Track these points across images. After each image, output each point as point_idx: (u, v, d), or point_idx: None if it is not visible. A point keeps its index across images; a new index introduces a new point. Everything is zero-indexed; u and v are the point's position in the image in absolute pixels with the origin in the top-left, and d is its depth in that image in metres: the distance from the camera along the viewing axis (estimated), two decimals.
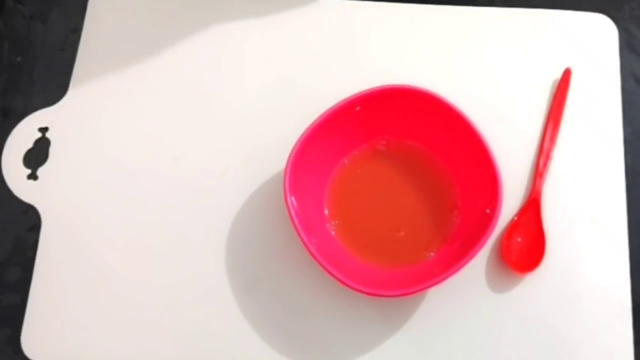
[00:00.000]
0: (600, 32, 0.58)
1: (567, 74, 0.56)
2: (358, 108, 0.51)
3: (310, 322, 0.50)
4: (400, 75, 0.53)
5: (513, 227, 0.51)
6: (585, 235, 0.52)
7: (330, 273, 0.46)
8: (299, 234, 0.47)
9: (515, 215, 0.52)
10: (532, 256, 0.50)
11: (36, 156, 0.55)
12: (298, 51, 0.58)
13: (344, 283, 0.46)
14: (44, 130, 0.56)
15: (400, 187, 0.53)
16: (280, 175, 0.50)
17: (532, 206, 0.52)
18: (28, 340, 0.50)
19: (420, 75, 0.53)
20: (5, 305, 0.52)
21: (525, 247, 0.51)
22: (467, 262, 0.45)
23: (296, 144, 0.49)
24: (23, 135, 0.56)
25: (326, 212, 0.52)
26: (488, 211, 0.47)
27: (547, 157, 0.53)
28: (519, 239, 0.51)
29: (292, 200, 0.48)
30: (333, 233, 0.51)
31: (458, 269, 0.45)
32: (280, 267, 0.51)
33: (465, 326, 0.49)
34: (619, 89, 0.56)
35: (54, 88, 0.58)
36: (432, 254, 0.50)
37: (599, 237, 0.52)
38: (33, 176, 0.55)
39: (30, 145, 0.56)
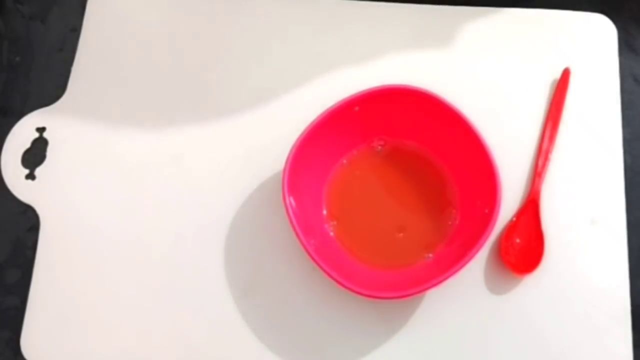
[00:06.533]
0: (599, 32, 0.58)
1: (566, 74, 0.56)
2: (357, 108, 0.51)
3: (308, 323, 0.50)
4: (399, 76, 0.53)
5: (512, 228, 0.51)
6: (584, 236, 0.52)
7: (328, 274, 0.46)
8: (297, 235, 0.47)
9: (514, 216, 0.52)
10: (531, 257, 0.50)
11: (34, 156, 0.55)
12: (297, 51, 0.58)
13: (342, 284, 0.46)
14: (41, 130, 0.56)
15: (398, 187, 0.52)
16: (278, 175, 0.50)
17: (530, 207, 0.52)
18: (28, 342, 0.50)
19: (418, 75, 0.53)
20: (4, 308, 0.52)
21: (524, 248, 0.51)
22: (465, 263, 0.45)
23: (295, 144, 0.49)
24: (21, 135, 0.56)
25: (325, 212, 0.52)
26: (487, 212, 0.47)
27: (546, 158, 0.53)
28: (518, 240, 0.51)
29: (291, 200, 0.48)
30: (331, 234, 0.51)
31: (457, 271, 0.45)
32: (278, 268, 0.51)
33: (464, 327, 0.49)
34: (618, 89, 0.56)
35: (52, 88, 0.58)
36: (430, 255, 0.50)
37: (598, 237, 0.52)
38: (31, 176, 0.55)
39: (28, 145, 0.56)
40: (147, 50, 0.59)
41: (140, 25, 0.60)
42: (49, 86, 0.58)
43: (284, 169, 0.48)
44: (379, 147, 0.54)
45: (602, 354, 0.48)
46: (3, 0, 0.62)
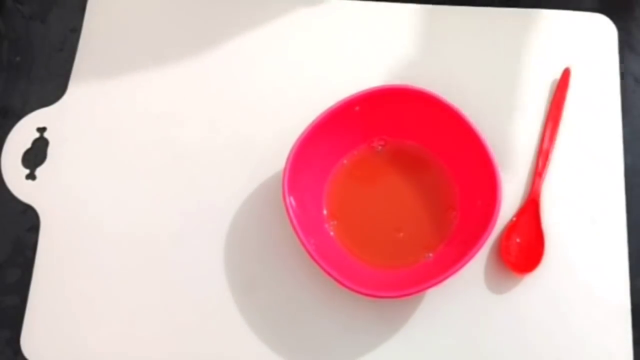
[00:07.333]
0: (599, 32, 0.58)
1: (566, 74, 0.56)
2: (357, 108, 0.51)
3: (308, 322, 0.50)
4: (399, 75, 0.53)
5: (512, 227, 0.51)
6: (584, 235, 0.52)
7: (328, 274, 0.46)
8: (297, 235, 0.47)
9: (514, 215, 0.52)
10: (531, 257, 0.50)
11: (34, 156, 0.55)
12: (297, 51, 0.58)
13: (342, 284, 0.46)
14: (42, 130, 0.56)
15: (399, 187, 0.52)
16: (279, 175, 0.50)
17: (531, 206, 0.52)
18: (28, 341, 0.50)
19: (419, 75, 0.53)
20: (4, 307, 0.52)
21: (524, 248, 0.51)
22: (466, 262, 0.45)
23: (295, 143, 0.49)
24: (21, 135, 0.56)
25: (325, 212, 0.52)
26: (487, 212, 0.47)
27: (547, 157, 0.53)
28: (518, 240, 0.51)
29: (291, 200, 0.48)
30: (332, 233, 0.51)
31: (457, 270, 0.45)
32: (278, 268, 0.51)
33: (464, 327, 0.49)
34: (619, 89, 0.56)
35: (52, 88, 0.58)
36: (430, 254, 0.50)
37: (598, 237, 0.52)
38: (31, 176, 0.55)
39: (28, 145, 0.56)
40: (147, 50, 0.59)
41: (140, 25, 0.60)
42: (49, 86, 0.58)
43: (284, 169, 0.48)
44: (379, 147, 0.54)
45: (602, 353, 0.49)
46: (3, 0, 0.62)
